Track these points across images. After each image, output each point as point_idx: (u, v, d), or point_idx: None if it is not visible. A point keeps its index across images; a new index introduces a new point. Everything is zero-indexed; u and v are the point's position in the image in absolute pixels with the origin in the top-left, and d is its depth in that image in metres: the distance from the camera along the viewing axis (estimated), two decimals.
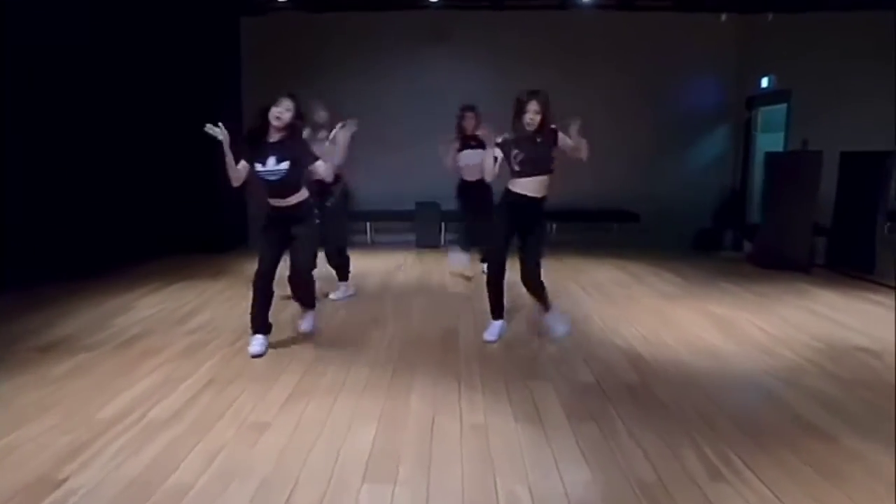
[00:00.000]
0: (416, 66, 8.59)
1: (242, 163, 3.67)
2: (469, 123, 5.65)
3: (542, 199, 3.91)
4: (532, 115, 3.74)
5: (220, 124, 3.57)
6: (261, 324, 3.85)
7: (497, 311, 4.15)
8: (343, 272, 5.33)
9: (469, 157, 5.63)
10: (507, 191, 3.91)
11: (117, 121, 6.72)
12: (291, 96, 3.71)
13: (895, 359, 3.73)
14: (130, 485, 2.32)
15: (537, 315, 4.30)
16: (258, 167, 3.67)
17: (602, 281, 6.11)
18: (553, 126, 3.84)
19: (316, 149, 4.19)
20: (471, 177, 5.68)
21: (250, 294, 3.84)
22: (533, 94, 3.78)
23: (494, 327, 4.15)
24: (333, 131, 4.91)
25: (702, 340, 4.14)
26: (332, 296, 5.20)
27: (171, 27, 7.29)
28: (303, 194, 3.83)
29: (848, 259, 6.61)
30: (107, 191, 6.56)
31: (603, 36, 8.61)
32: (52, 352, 3.82)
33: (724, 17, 8.55)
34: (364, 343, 4.08)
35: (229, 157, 3.61)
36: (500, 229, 3.97)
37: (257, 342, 3.81)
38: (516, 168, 3.82)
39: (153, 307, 4.96)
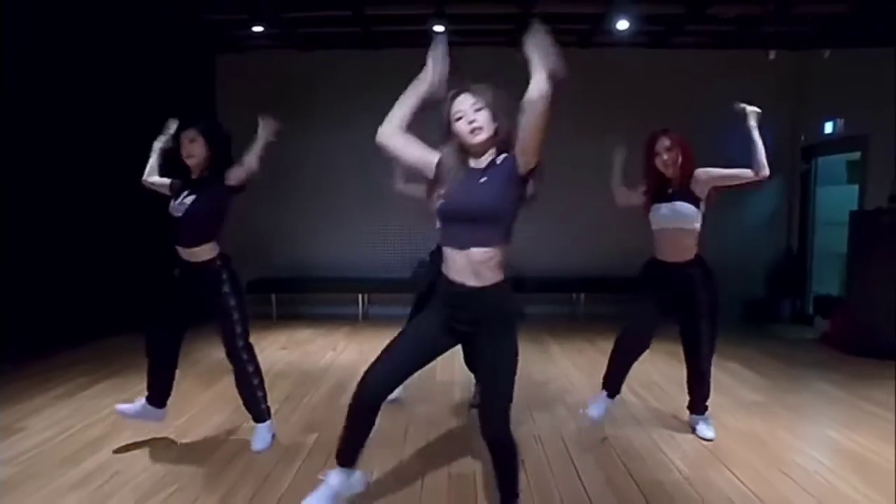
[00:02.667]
0: (420, 112, 7.42)
1: (165, 180, 3.37)
2: None
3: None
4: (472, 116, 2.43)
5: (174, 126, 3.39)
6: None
7: None
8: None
9: None
10: None
11: (65, 173, 5.49)
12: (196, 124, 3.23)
13: None
14: None
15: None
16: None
17: (656, 379, 4.69)
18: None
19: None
20: None
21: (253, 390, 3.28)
22: None
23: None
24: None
25: (842, 498, 2.73)
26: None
27: (143, 67, 6.18)
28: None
29: None
30: (41, 254, 5.23)
31: (632, 77, 7.49)
32: None
33: (772, 54, 7.41)
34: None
35: (154, 161, 3.46)
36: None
37: None
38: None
39: (46, 430, 3.55)
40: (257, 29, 6.41)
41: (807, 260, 7.40)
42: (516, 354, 2.21)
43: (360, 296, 7.39)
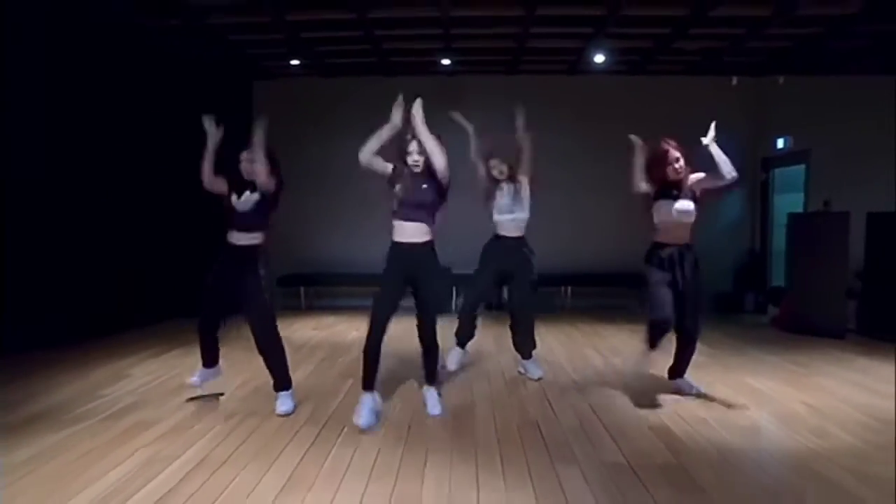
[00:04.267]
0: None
1: (223, 179, 3.90)
2: None
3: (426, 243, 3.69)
4: (416, 157, 3.64)
5: (220, 124, 3.87)
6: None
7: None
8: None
9: None
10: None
11: (124, 183, 6.61)
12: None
13: None
14: None
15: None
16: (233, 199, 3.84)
17: (621, 348, 5.78)
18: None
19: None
20: None
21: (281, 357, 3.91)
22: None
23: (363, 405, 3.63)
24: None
25: (741, 417, 3.78)
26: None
27: (185, 91, 7.31)
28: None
29: (883, 324, 6.26)
30: (102, 254, 6.33)
31: (615, 100, 8.59)
32: (34, 425, 3.52)
33: (735, 80, 8.54)
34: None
35: (210, 157, 3.87)
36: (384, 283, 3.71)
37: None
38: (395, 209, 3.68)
39: (147, 375, 4.67)
40: (294, 62, 7.55)
41: (766, 258, 8.45)
42: (440, 291, 3.69)
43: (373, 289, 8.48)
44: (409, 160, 3.63)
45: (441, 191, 3.68)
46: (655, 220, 4.08)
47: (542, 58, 7.96)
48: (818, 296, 6.47)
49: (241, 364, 4.77)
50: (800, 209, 7.56)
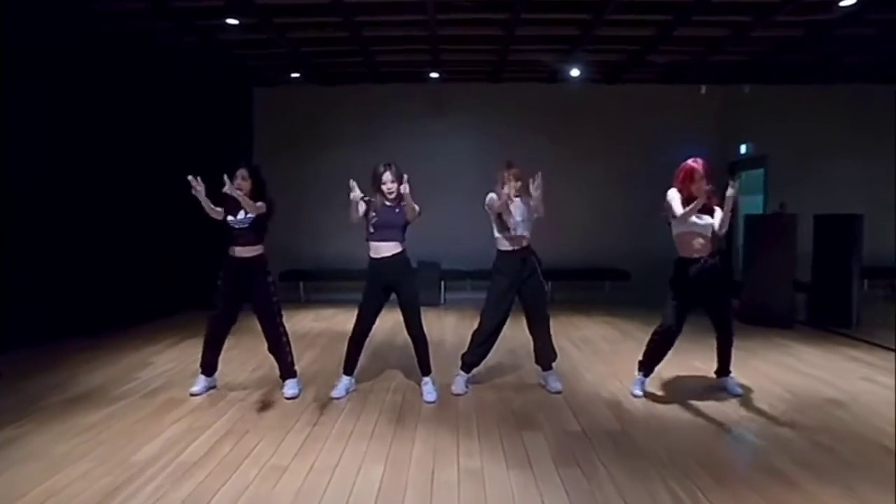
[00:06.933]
0: (415, 134, 9.18)
1: (220, 209, 4.27)
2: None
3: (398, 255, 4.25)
4: (390, 185, 4.16)
5: (198, 178, 4.11)
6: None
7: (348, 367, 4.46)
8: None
9: None
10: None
11: (138, 181, 7.19)
12: (247, 166, 4.32)
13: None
14: None
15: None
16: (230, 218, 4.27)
17: (592, 337, 6.47)
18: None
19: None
20: None
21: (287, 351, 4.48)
22: (387, 166, 4.20)
23: (342, 383, 4.45)
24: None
25: (682, 393, 4.47)
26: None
27: (187, 96, 7.89)
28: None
29: (827, 315, 6.97)
30: (122, 250, 6.95)
31: (592, 107, 9.25)
32: (81, 403, 4.15)
33: (703, 89, 9.20)
34: (371, 396, 4.42)
35: (206, 202, 4.17)
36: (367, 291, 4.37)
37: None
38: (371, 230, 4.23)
39: (171, 361, 5.31)
40: (294, 74, 8.14)
41: (731, 255, 9.15)
42: (417, 290, 4.38)
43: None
44: (384, 188, 4.18)
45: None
46: (678, 231, 4.28)
47: (523, 69, 8.59)
48: (769, 289, 7.17)
49: (254, 350, 5.41)
50: (759, 210, 8.26)
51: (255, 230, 4.30)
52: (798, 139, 8.40)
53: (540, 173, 4.24)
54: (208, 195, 4.19)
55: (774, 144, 8.22)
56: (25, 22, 5.68)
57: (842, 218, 6.95)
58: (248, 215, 4.23)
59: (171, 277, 7.60)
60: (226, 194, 4.14)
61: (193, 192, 4.11)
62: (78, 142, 6.39)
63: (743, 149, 8.78)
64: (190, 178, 4.10)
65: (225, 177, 4.10)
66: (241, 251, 4.29)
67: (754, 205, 8.53)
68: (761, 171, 8.42)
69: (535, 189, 4.23)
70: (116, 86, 6.85)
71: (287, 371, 4.47)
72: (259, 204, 4.21)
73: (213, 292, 4.38)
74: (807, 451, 3.41)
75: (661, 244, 9.26)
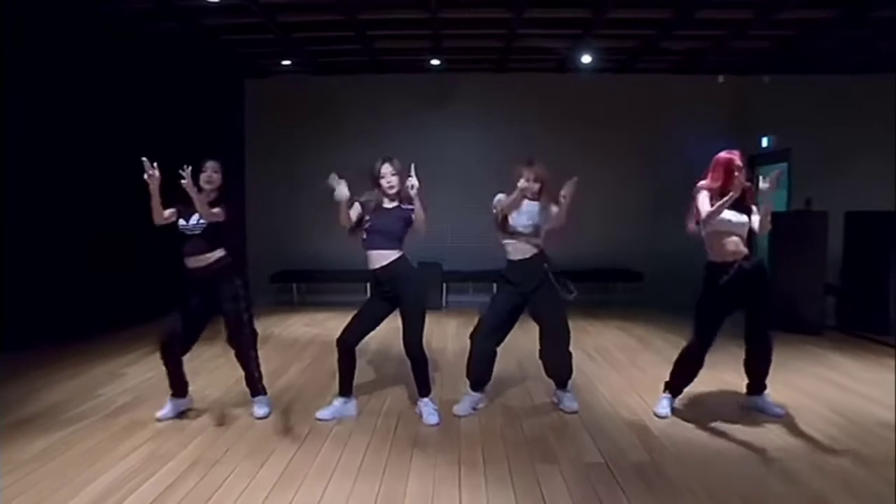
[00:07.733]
0: (416, 127, 8.65)
1: (171, 210, 3.74)
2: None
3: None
4: (390, 178, 3.68)
5: (154, 164, 3.56)
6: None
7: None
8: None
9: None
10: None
11: (114, 180, 6.65)
12: (217, 160, 3.83)
13: None
14: None
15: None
16: (181, 223, 3.73)
17: (607, 346, 5.94)
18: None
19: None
20: None
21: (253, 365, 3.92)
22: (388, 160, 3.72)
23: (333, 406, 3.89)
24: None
25: (713, 414, 3.95)
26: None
27: (177, 88, 7.39)
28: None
29: (860, 320, 6.45)
30: (97, 252, 6.42)
31: (603, 98, 8.73)
32: (32, 425, 3.65)
33: (721, 79, 8.68)
34: (361, 418, 3.90)
35: (156, 198, 3.62)
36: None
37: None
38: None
39: (146, 372, 4.80)
40: (285, 62, 7.63)
41: (753, 255, 8.62)
42: (421, 299, 3.80)
43: (367, 284, 8.57)
44: (384, 182, 3.68)
45: (408, 221, 3.72)
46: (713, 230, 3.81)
47: (530, 56, 8.06)
48: (797, 293, 6.63)
49: (233, 365, 4.87)
50: (783, 207, 7.72)
51: (207, 238, 3.72)
52: (824, 132, 7.87)
53: (575, 179, 3.69)
54: (180, 200, 3.64)
55: (798, 137, 7.69)
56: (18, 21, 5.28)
57: (877, 215, 6.42)
58: (201, 220, 3.67)
59: (155, 279, 7.06)
60: (185, 193, 3.55)
61: (146, 177, 3.53)
62: (58, 144, 5.93)
63: (765, 142, 8.25)
64: (144, 160, 3.53)
65: (185, 169, 3.49)
66: (192, 261, 3.73)
67: (778, 201, 7.99)
68: (784, 165, 7.89)
69: (565, 195, 3.69)
70: (93, 80, 6.34)
71: (254, 388, 3.97)
72: (216, 211, 3.66)
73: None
74: (876, 490, 2.88)
75: (675, 245, 8.76)
